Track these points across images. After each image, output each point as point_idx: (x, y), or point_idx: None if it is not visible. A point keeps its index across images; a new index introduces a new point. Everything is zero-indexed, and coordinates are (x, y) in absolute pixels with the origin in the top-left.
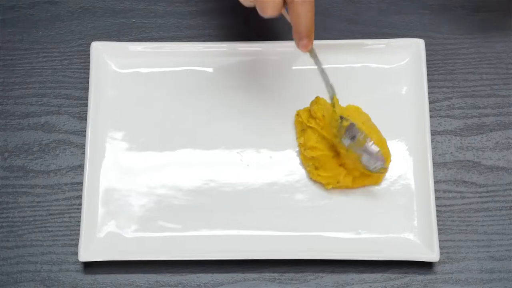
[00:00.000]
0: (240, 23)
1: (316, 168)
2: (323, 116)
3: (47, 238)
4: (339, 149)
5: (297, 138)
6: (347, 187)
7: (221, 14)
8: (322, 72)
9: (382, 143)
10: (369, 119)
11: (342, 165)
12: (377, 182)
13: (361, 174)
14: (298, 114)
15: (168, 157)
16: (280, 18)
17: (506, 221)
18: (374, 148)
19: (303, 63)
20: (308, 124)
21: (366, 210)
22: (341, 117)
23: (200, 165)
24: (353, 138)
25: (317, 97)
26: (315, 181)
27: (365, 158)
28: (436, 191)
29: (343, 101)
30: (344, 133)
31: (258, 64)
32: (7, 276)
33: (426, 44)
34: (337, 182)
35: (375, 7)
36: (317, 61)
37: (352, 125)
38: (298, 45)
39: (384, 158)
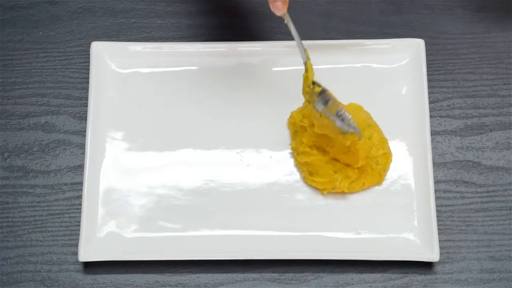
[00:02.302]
0: (240, 23)
1: (311, 174)
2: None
3: (47, 238)
4: (313, 117)
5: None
6: (343, 192)
7: (221, 14)
8: (297, 37)
9: (383, 142)
10: (370, 117)
11: (320, 136)
12: (378, 182)
13: (359, 176)
14: (291, 116)
15: (168, 157)
16: None
17: (506, 221)
18: (346, 114)
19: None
20: (300, 124)
21: (366, 210)
22: (313, 83)
23: (200, 165)
24: (325, 103)
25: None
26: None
27: (338, 123)
28: (436, 191)
29: (343, 101)
30: (316, 98)
31: (258, 64)
32: (7, 276)
33: (426, 44)
34: (333, 188)
35: (375, 7)
36: (291, 27)
37: (323, 91)
38: (272, 7)
39: (356, 124)
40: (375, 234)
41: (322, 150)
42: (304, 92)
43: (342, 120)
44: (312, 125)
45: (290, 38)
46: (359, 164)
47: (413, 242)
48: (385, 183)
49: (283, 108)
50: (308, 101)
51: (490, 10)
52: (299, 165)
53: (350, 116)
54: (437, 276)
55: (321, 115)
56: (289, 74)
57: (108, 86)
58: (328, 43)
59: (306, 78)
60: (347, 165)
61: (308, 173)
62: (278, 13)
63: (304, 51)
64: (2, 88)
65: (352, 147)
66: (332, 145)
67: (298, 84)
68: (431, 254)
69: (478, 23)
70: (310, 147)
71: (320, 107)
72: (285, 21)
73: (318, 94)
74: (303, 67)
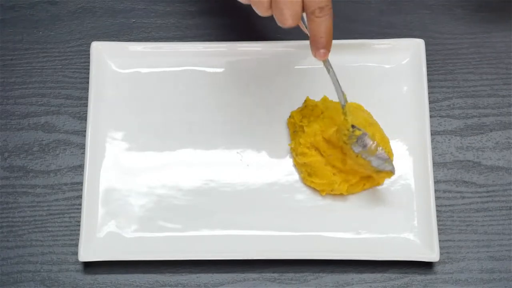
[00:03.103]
0: (240, 23)
1: (309, 175)
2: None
3: (47, 238)
4: (349, 155)
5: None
6: (342, 194)
7: (221, 14)
8: (335, 81)
9: (385, 141)
10: (370, 116)
11: (345, 166)
12: (379, 183)
13: (359, 180)
14: (291, 116)
15: (168, 157)
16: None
17: (506, 221)
18: (384, 155)
19: (304, 63)
20: (300, 124)
21: (366, 210)
22: (353, 126)
23: (200, 165)
24: (364, 146)
25: (324, 97)
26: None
27: (375, 163)
28: (436, 191)
29: None
30: (355, 142)
31: (258, 64)
32: (7, 276)
33: (426, 44)
34: (332, 190)
35: (375, 7)
36: (330, 70)
37: (364, 135)
38: (315, 55)
39: (392, 162)
40: (375, 234)
41: (321, 152)
42: (341, 134)
43: (380, 160)
44: (309, 126)
45: (290, 38)
46: (365, 174)
47: (413, 242)
48: (385, 183)
49: (283, 108)
50: (345, 142)
51: (490, 10)
52: (297, 165)
53: (388, 157)
54: (437, 276)
55: (357, 156)
56: (290, 74)
57: (108, 86)
58: None
59: (346, 122)
60: (347, 173)
61: (307, 174)
62: (321, 59)
63: (342, 95)
64: (2, 88)
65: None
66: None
67: (298, 84)
68: (431, 254)
69: (478, 23)
70: (308, 148)
71: (357, 149)
72: (324, 66)
73: (357, 138)
74: (304, 66)
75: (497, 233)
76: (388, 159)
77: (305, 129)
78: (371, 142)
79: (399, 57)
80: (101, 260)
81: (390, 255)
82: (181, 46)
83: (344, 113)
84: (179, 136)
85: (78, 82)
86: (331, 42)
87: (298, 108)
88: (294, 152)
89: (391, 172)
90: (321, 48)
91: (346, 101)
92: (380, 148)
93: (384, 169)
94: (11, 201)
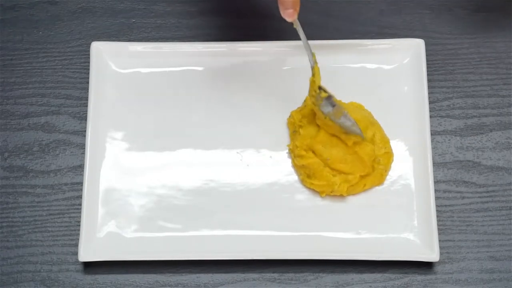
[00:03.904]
0: (240, 23)
1: (308, 177)
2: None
3: (47, 238)
4: (318, 117)
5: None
6: (342, 195)
7: (221, 14)
8: (305, 42)
9: (385, 141)
10: (371, 116)
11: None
12: (380, 182)
13: (359, 180)
14: (291, 115)
15: (168, 157)
16: None
17: (506, 221)
18: (350, 119)
19: (305, 63)
20: (299, 124)
21: (366, 210)
22: (320, 88)
23: (200, 165)
24: (330, 108)
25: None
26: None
27: (342, 125)
28: (436, 191)
29: (344, 101)
30: (322, 103)
31: (258, 64)
32: (7, 276)
33: (426, 44)
34: (331, 191)
35: (375, 7)
36: (300, 32)
37: (329, 97)
38: (283, 15)
39: (359, 128)
40: (375, 234)
41: (319, 153)
42: (310, 95)
43: (346, 122)
44: (308, 127)
45: (290, 38)
46: (365, 171)
47: (413, 242)
48: (385, 183)
49: (283, 108)
50: (313, 104)
51: (490, 10)
52: (296, 167)
53: (354, 121)
54: (437, 276)
55: (325, 117)
56: (290, 74)
57: (108, 86)
58: (328, 43)
59: (313, 82)
60: (348, 174)
61: (306, 175)
62: (289, 19)
63: (312, 55)
64: (2, 88)
65: (356, 152)
66: (330, 154)
67: (298, 84)
68: (431, 254)
69: (478, 23)
70: (305, 150)
71: (325, 110)
72: (294, 26)
73: (324, 99)
74: (303, 66)
75: (497, 233)
76: (355, 123)
77: (301, 131)
78: (336, 105)
79: (399, 57)
80: (101, 260)
81: (390, 255)
82: (181, 46)
83: (313, 74)
84: (179, 136)
85: (78, 82)
86: (298, 2)
87: (298, 108)
88: (292, 154)
89: (360, 136)
90: (289, 8)
91: (315, 62)
92: (346, 111)
93: (353, 132)
94: (11, 201)
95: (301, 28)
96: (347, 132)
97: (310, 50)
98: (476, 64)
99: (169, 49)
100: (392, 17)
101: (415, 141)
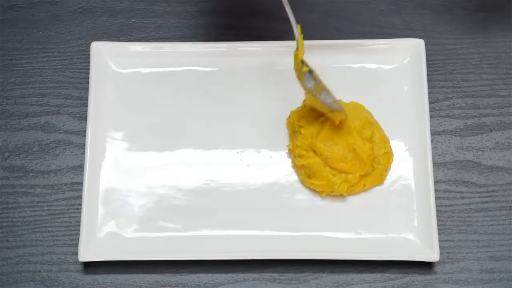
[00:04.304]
0: (240, 23)
1: (308, 177)
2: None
3: (47, 238)
4: (303, 89)
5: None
6: (342, 195)
7: (221, 14)
8: (291, 15)
9: (385, 141)
10: (371, 116)
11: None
12: (380, 183)
13: (359, 180)
14: (290, 115)
15: (168, 157)
16: None
17: (506, 221)
18: (330, 96)
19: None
20: (298, 124)
21: (366, 210)
22: (302, 62)
23: (200, 165)
24: (312, 82)
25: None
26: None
27: (324, 101)
28: (436, 191)
29: (344, 101)
30: (304, 77)
31: (258, 64)
32: (7, 276)
33: (426, 44)
34: (331, 191)
35: (375, 7)
36: (285, 3)
37: (310, 72)
38: None
39: (340, 105)
40: (375, 234)
41: (319, 152)
42: (294, 68)
43: (327, 100)
44: (308, 127)
45: (290, 38)
46: (365, 170)
47: (413, 242)
48: (385, 183)
49: (283, 108)
50: (297, 77)
51: (490, 10)
52: (296, 167)
53: (335, 99)
54: (437, 276)
55: (308, 92)
56: (290, 74)
57: (108, 86)
58: (327, 43)
59: (296, 55)
60: (347, 173)
61: (306, 175)
62: None
63: (297, 27)
64: (2, 88)
65: (355, 149)
66: (331, 152)
67: (298, 84)
68: (431, 254)
69: (478, 23)
70: (306, 150)
71: (307, 84)
72: (282, 2)
73: (305, 73)
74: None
75: (497, 233)
76: (336, 101)
77: (302, 131)
78: (317, 80)
79: (399, 57)
80: (101, 260)
81: (390, 255)
82: (181, 46)
83: (297, 47)
84: (179, 136)
85: (78, 82)
86: None
87: (298, 108)
88: (292, 154)
89: (344, 113)
90: None
91: (300, 34)
92: (327, 89)
93: (335, 109)
94: (11, 201)
95: (288, 4)
96: (330, 109)
97: (295, 22)
98: (476, 64)
99: (169, 49)
100: (392, 17)
101: (415, 141)
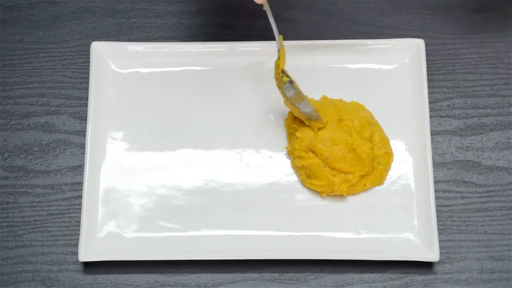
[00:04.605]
0: (239, 23)
1: (308, 177)
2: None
3: (47, 238)
4: (282, 96)
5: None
6: (342, 195)
7: (221, 14)
8: (273, 24)
9: (385, 141)
10: (372, 116)
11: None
12: (380, 183)
13: (359, 180)
14: (288, 116)
15: (168, 157)
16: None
17: (506, 221)
18: (308, 108)
19: (304, 63)
20: (293, 126)
21: (366, 210)
22: (283, 71)
23: (200, 165)
24: (292, 92)
25: (323, 96)
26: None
27: (303, 110)
28: (436, 191)
29: (345, 101)
30: (284, 86)
31: (258, 64)
32: (7, 276)
33: (426, 44)
34: (331, 191)
35: (375, 7)
36: (269, 14)
37: (290, 83)
38: None
39: (318, 114)
40: (375, 234)
41: (318, 153)
42: (275, 77)
43: (305, 109)
44: (304, 129)
45: (290, 38)
46: (364, 170)
47: (413, 242)
48: (385, 183)
49: (283, 108)
50: (278, 86)
51: (490, 10)
52: (296, 168)
53: (313, 108)
54: (437, 276)
55: (288, 100)
56: (289, 74)
57: (108, 86)
58: (327, 43)
59: (277, 65)
60: (347, 173)
61: (305, 176)
62: (259, 1)
63: (279, 38)
64: (2, 88)
65: (355, 149)
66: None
67: (299, 84)
68: (431, 254)
69: (478, 23)
70: (305, 151)
71: (287, 93)
72: (264, 8)
73: (286, 83)
74: (303, 66)
75: (497, 233)
76: (314, 110)
77: (297, 134)
78: (297, 90)
79: (399, 57)
80: (101, 260)
81: (390, 255)
82: (181, 46)
83: (278, 57)
84: (179, 136)
85: (78, 82)
86: None
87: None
88: (292, 155)
89: (321, 122)
90: None
91: (282, 45)
92: (306, 100)
93: (313, 117)
94: (11, 201)
95: (270, 11)
96: (309, 117)
97: (277, 33)
98: (476, 64)
99: (169, 49)
100: (392, 17)
101: (415, 141)
